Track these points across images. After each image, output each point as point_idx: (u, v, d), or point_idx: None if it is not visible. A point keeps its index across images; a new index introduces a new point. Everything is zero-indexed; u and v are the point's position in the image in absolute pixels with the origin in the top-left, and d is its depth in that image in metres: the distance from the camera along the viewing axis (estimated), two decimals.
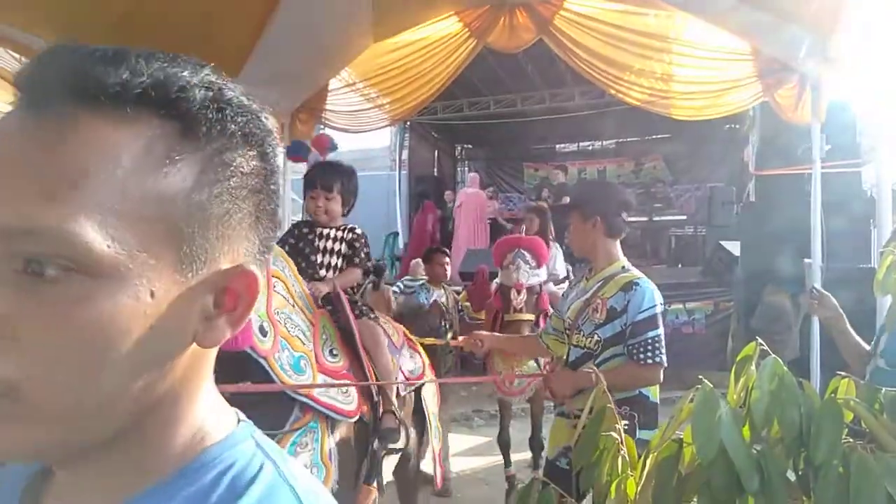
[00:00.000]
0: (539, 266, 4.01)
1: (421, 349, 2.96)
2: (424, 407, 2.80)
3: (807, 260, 3.73)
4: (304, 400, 2.01)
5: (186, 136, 0.42)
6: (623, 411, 2.19)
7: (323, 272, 2.57)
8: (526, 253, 3.95)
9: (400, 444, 2.45)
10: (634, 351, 2.22)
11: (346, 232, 2.65)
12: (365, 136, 11.61)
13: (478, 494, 4.31)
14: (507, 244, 4.17)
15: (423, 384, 2.79)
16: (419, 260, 5.54)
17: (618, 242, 2.44)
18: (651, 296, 2.25)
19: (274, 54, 4.33)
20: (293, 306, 2.12)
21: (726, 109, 4.97)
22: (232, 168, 0.45)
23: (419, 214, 10.24)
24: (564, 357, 2.47)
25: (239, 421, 0.52)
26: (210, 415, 0.49)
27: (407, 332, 2.96)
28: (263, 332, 1.92)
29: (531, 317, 3.93)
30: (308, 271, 2.51)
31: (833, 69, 3.88)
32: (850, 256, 5.23)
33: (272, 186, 0.49)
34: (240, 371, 1.86)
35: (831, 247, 4.31)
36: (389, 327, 2.79)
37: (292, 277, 2.18)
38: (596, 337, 2.29)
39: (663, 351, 2.24)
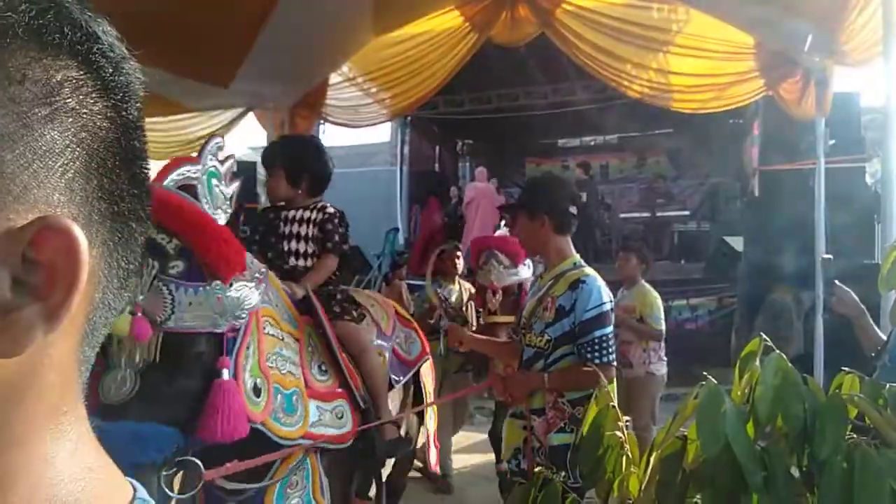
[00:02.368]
0: (516, 265, 3.81)
1: (416, 324, 2.85)
2: (423, 386, 2.73)
3: (824, 255, 3.69)
4: (304, 442, 1.88)
5: None
6: (577, 412, 2.16)
7: (293, 261, 2.33)
8: (499, 253, 3.78)
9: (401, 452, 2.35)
10: (583, 351, 2.18)
11: (315, 212, 2.36)
12: (365, 132, 11.59)
13: (479, 491, 4.31)
14: (477, 244, 4.03)
15: (419, 367, 2.71)
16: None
17: (569, 238, 2.39)
18: (598, 294, 2.20)
19: (274, 48, 4.31)
20: (282, 339, 1.95)
21: (730, 103, 4.95)
22: (10, 71, 0.30)
23: (425, 210, 10.22)
24: (520, 357, 2.43)
25: (135, 497, 0.37)
26: (73, 484, 0.33)
27: (398, 308, 2.83)
28: (258, 393, 1.75)
29: (509, 319, 3.68)
30: (276, 262, 2.30)
31: (838, 63, 3.85)
32: (854, 252, 5.20)
33: (114, 113, 0.34)
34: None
35: (835, 242, 4.30)
36: (378, 310, 2.61)
37: (277, 297, 2.00)
38: (546, 336, 2.25)
39: (612, 349, 2.21)
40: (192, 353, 1.57)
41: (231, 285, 1.60)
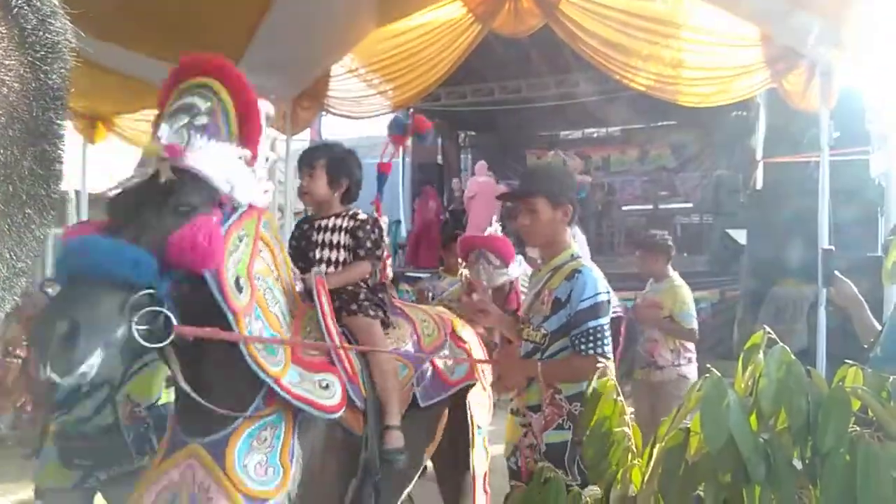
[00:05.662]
0: (507, 264, 3.78)
1: (472, 350, 2.62)
2: (469, 417, 2.51)
3: (825, 246, 3.66)
4: (274, 387, 1.71)
5: None
6: (574, 408, 2.11)
7: (323, 268, 2.25)
8: (489, 254, 3.75)
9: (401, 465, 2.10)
10: (577, 342, 2.13)
11: (346, 219, 2.31)
12: (367, 123, 11.49)
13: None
14: (466, 244, 4.01)
15: (459, 388, 2.46)
16: None
17: (568, 229, 2.36)
18: (594, 284, 2.15)
19: (275, 40, 4.29)
20: (276, 279, 1.85)
21: (734, 96, 4.92)
22: None
23: (420, 201, 10.22)
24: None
25: None
26: None
27: (457, 327, 2.63)
28: (239, 288, 1.62)
29: None
30: (308, 269, 2.21)
31: (843, 55, 3.83)
32: (858, 245, 5.19)
33: (29, 73, 0.27)
34: (202, 323, 1.58)
35: (839, 235, 4.29)
36: (429, 325, 2.48)
37: (280, 255, 1.93)
38: (543, 330, 2.20)
39: (607, 341, 2.14)
40: (189, 194, 1.59)
41: (241, 159, 1.67)
